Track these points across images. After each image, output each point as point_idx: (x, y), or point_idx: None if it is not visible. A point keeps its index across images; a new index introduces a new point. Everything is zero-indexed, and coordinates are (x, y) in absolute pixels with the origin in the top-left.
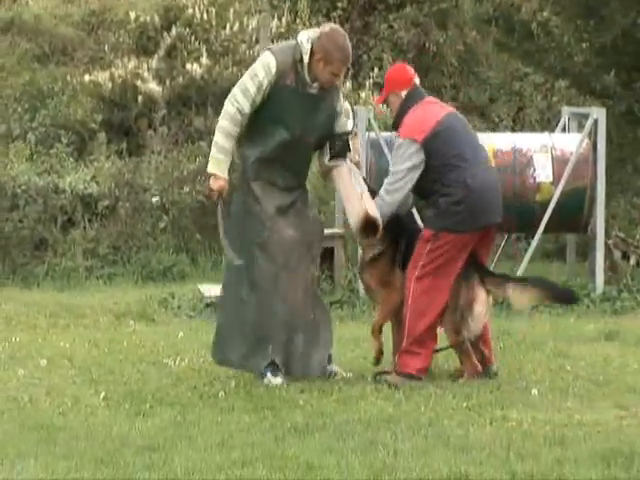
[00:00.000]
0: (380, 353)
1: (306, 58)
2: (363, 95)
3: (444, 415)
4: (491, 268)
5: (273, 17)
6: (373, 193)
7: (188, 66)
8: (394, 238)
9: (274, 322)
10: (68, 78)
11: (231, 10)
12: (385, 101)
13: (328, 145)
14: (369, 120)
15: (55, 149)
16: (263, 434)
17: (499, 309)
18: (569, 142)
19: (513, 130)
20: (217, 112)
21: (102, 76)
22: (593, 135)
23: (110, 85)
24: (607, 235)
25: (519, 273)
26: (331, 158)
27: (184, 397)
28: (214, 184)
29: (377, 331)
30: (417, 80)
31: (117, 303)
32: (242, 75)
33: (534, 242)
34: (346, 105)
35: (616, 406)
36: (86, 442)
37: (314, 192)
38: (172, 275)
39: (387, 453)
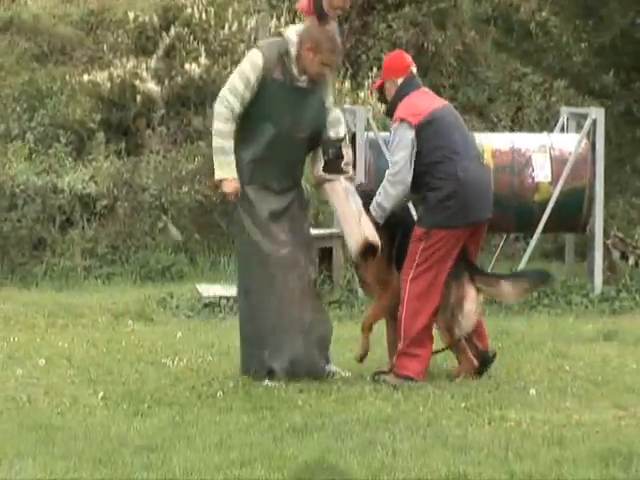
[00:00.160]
0: (365, 352)
1: (293, 50)
2: (362, 95)
3: (443, 415)
4: (491, 268)
5: (272, 17)
6: (372, 194)
7: (187, 66)
8: (391, 235)
9: (271, 326)
10: (67, 78)
11: (230, 10)
12: (381, 87)
13: (321, 151)
14: (368, 120)
15: (54, 149)
16: (262, 434)
17: (498, 309)
18: (568, 142)
19: (512, 130)
20: None
21: (101, 76)
22: (592, 135)
23: (109, 85)
24: (606, 235)
25: None
26: (325, 167)
27: (182, 397)
28: (227, 188)
29: (367, 329)
30: (414, 69)
31: (115, 303)
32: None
33: (533, 242)
34: (337, 112)
35: (615, 406)
36: (84, 442)
37: (312, 191)
38: (171, 275)
39: (386, 453)
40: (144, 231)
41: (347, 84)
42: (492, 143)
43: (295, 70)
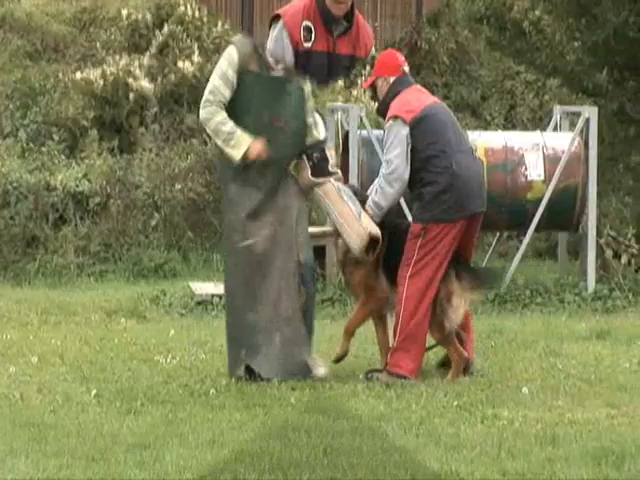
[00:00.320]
0: (344, 354)
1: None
2: (355, 93)
3: (435, 413)
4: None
5: None
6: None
7: (180, 64)
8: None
9: (247, 326)
10: (60, 75)
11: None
12: (372, 85)
13: (305, 157)
14: (361, 118)
15: (46, 146)
16: (254, 432)
17: (491, 307)
18: (561, 141)
19: (505, 128)
20: None
21: (94, 73)
22: (585, 134)
23: (102, 82)
24: (599, 234)
25: (510, 272)
26: (313, 172)
27: (175, 395)
28: (254, 152)
29: (350, 333)
30: (407, 68)
31: (108, 300)
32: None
33: (525, 240)
34: (316, 116)
35: (607, 405)
36: (77, 440)
37: None
38: (163, 272)
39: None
40: (137, 229)
41: (340, 82)
42: (485, 141)
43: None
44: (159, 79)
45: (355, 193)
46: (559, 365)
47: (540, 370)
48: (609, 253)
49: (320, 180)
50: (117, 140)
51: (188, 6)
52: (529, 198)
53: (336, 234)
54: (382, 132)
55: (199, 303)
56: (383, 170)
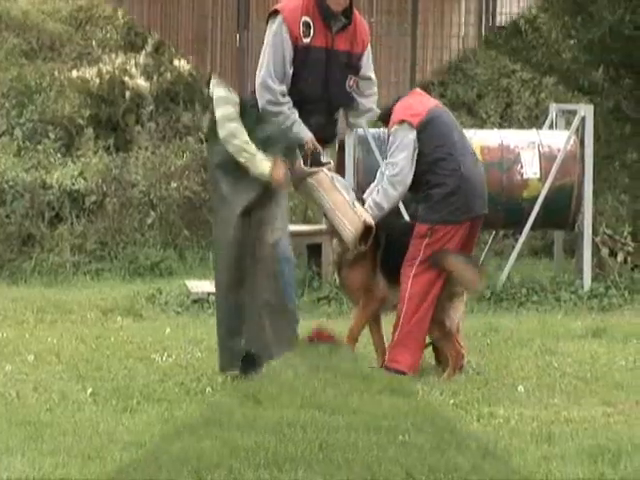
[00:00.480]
0: None
1: None
2: None
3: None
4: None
5: None
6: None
7: (176, 62)
8: (375, 240)
9: (245, 314)
10: (56, 74)
11: None
12: None
13: (298, 148)
14: None
15: (42, 145)
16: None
17: (487, 305)
18: (557, 139)
19: (501, 127)
20: (204, 108)
21: (90, 72)
22: (580, 132)
23: (98, 81)
24: (594, 232)
25: (506, 270)
26: (305, 161)
27: (171, 393)
28: (277, 174)
29: (353, 340)
30: None
31: (104, 299)
32: None
33: (521, 239)
34: None
35: (603, 403)
36: (73, 438)
37: None
38: (160, 271)
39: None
40: (133, 227)
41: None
42: (481, 140)
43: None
44: (155, 77)
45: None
46: (555, 363)
47: (536, 368)
48: (605, 251)
49: (313, 170)
50: (113, 138)
51: None
52: (525, 196)
53: (331, 233)
54: (377, 131)
55: (195, 301)
56: (387, 172)
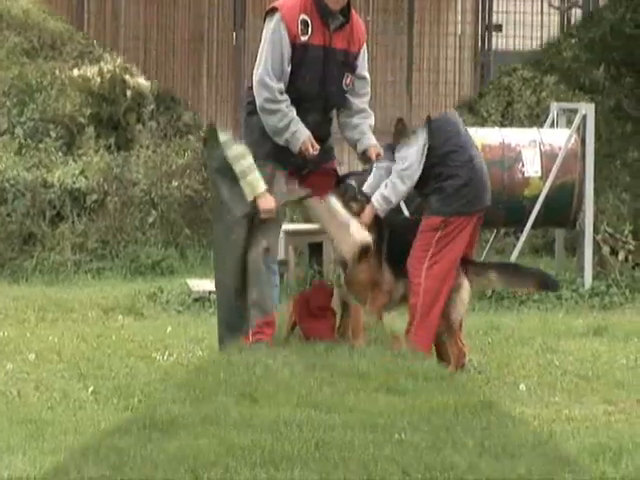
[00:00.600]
0: None
1: None
2: None
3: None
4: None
5: None
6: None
7: None
8: (379, 235)
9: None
10: (57, 72)
11: None
12: None
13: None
14: None
15: (44, 143)
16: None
17: (488, 304)
18: (558, 137)
19: (502, 125)
20: None
21: (91, 70)
22: (582, 130)
23: (99, 79)
24: (596, 230)
25: None
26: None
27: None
28: (264, 205)
29: (361, 336)
30: None
31: (106, 297)
32: None
33: (523, 237)
34: None
35: (604, 401)
36: (74, 437)
37: None
38: (161, 269)
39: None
40: (134, 226)
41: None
42: (482, 138)
43: None
44: None
45: (355, 193)
46: (556, 362)
47: (537, 367)
48: (606, 250)
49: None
50: (114, 137)
51: None
52: (526, 195)
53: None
54: None
55: (196, 300)
56: (397, 166)
